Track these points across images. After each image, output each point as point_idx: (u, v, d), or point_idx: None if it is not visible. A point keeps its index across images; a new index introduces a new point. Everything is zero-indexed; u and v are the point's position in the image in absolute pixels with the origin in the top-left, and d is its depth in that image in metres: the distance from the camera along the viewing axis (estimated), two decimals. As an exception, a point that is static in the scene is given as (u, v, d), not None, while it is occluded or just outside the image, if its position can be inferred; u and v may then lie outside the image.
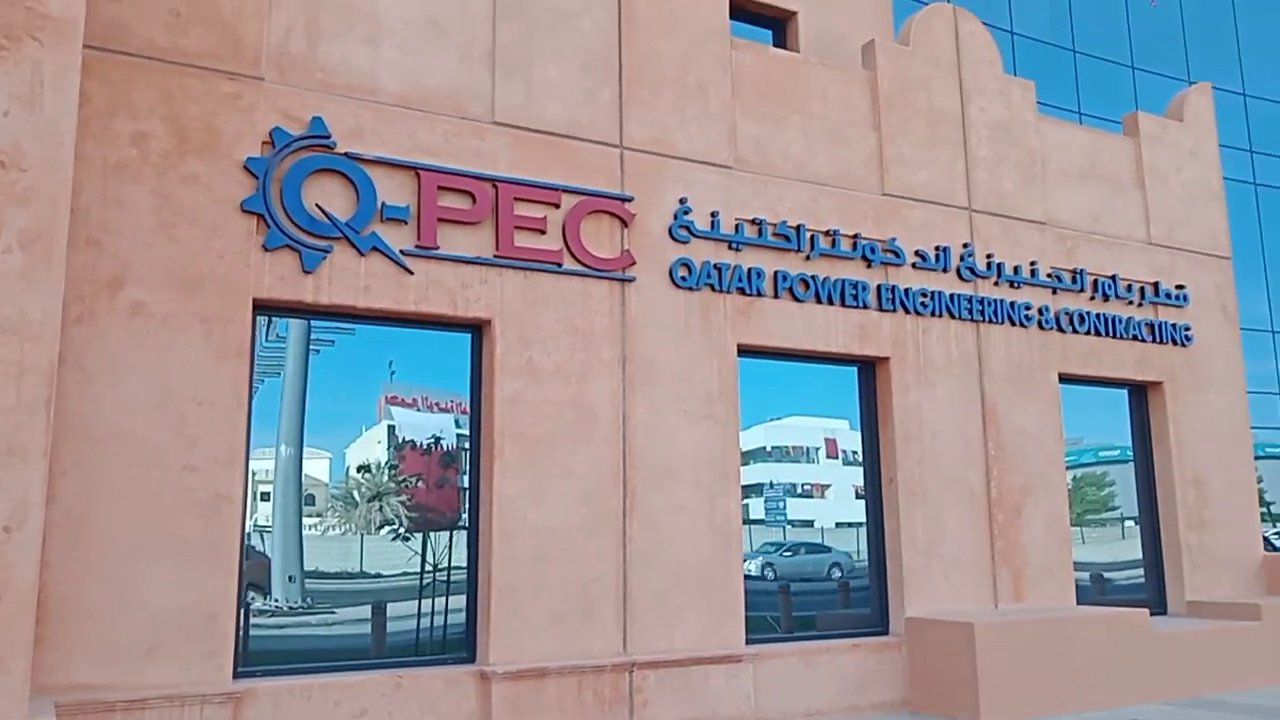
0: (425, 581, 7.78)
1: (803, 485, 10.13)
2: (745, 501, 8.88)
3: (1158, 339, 11.58)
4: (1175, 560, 11.32)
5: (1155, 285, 11.70)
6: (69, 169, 5.73)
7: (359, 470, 7.89)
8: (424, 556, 7.82)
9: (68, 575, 6.22)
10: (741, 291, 8.97)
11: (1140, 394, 11.75)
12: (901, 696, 8.99)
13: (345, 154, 7.49)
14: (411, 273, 7.57)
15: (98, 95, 6.74)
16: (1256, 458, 13.11)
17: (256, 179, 7.14)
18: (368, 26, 7.75)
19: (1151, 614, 10.63)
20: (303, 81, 7.46)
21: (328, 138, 7.43)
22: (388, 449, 7.95)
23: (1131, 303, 11.50)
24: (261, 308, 7.22)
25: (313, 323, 7.61)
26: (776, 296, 9.16)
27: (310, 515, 7.67)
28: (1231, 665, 10.06)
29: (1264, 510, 17.70)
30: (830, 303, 9.43)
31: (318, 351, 7.69)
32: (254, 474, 7.27)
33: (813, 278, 9.34)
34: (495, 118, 8.11)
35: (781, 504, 9.85)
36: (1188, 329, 11.87)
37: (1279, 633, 10.48)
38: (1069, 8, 19.94)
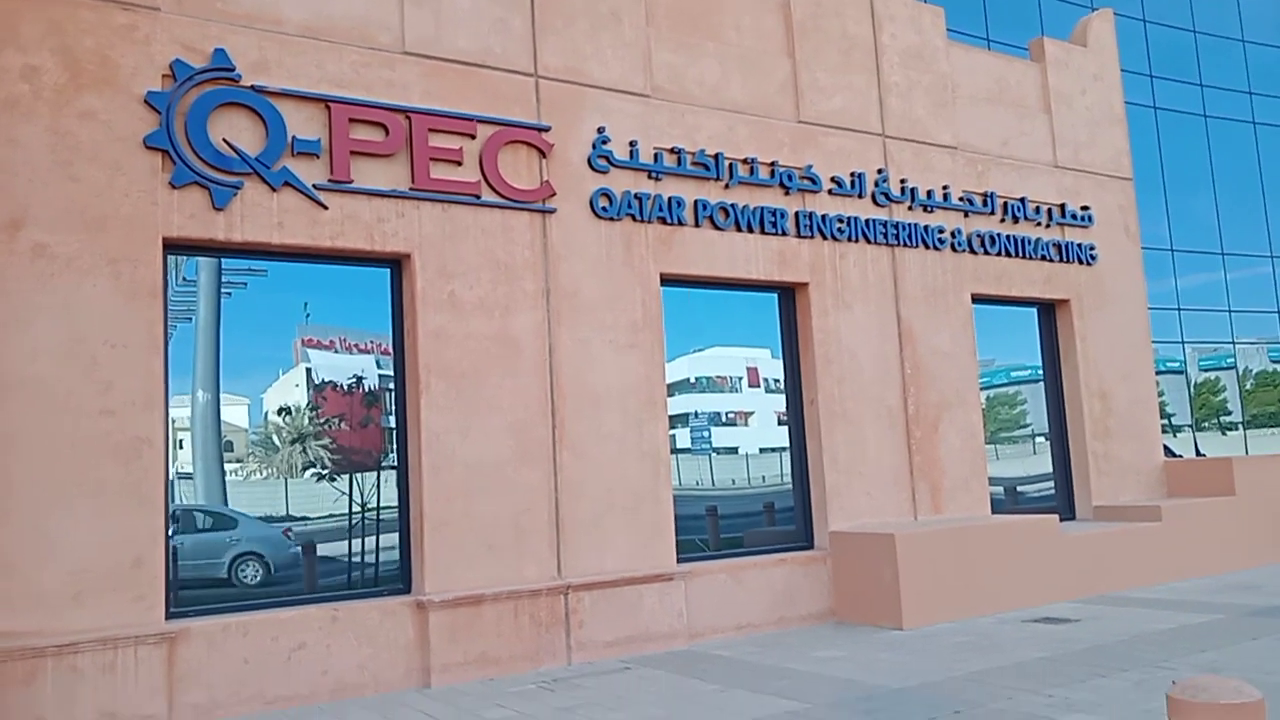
0: (354, 521, 7.77)
1: (726, 414, 10.31)
2: (671, 432, 9.01)
3: (1064, 259, 11.98)
4: (1083, 468, 11.86)
5: (1062, 207, 12.07)
6: (-43, 104, 5.50)
7: (279, 414, 7.80)
8: (351, 496, 7.80)
9: (-16, 526, 6.08)
10: (663, 221, 9.01)
11: (1049, 312, 12.19)
12: (827, 607, 9.32)
13: (251, 87, 7.27)
14: (326, 207, 7.44)
15: (-17, 27, 6.43)
16: (1157, 372, 13.72)
17: (159, 114, 6.90)
18: (268, -47, 7.48)
19: (1061, 519, 11.15)
20: (202, 11, 7.19)
21: (232, 70, 7.20)
22: (307, 392, 7.87)
23: (1039, 224, 11.86)
24: (172, 247, 7.03)
25: (224, 264, 7.44)
26: (697, 225, 9.23)
27: (230, 461, 7.58)
28: (1135, 564, 10.63)
29: (1164, 421, 18.55)
30: (750, 230, 9.53)
31: (229, 294, 7.54)
32: (173, 421, 7.15)
33: (732, 206, 9.42)
34: (405, 48, 7.95)
35: (706, 433, 10.01)
36: (1093, 249, 12.29)
37: (1178, 532, 11.10)
38: (976, -65, 20.13)
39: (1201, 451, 21.09)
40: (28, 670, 6.00)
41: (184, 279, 7.33)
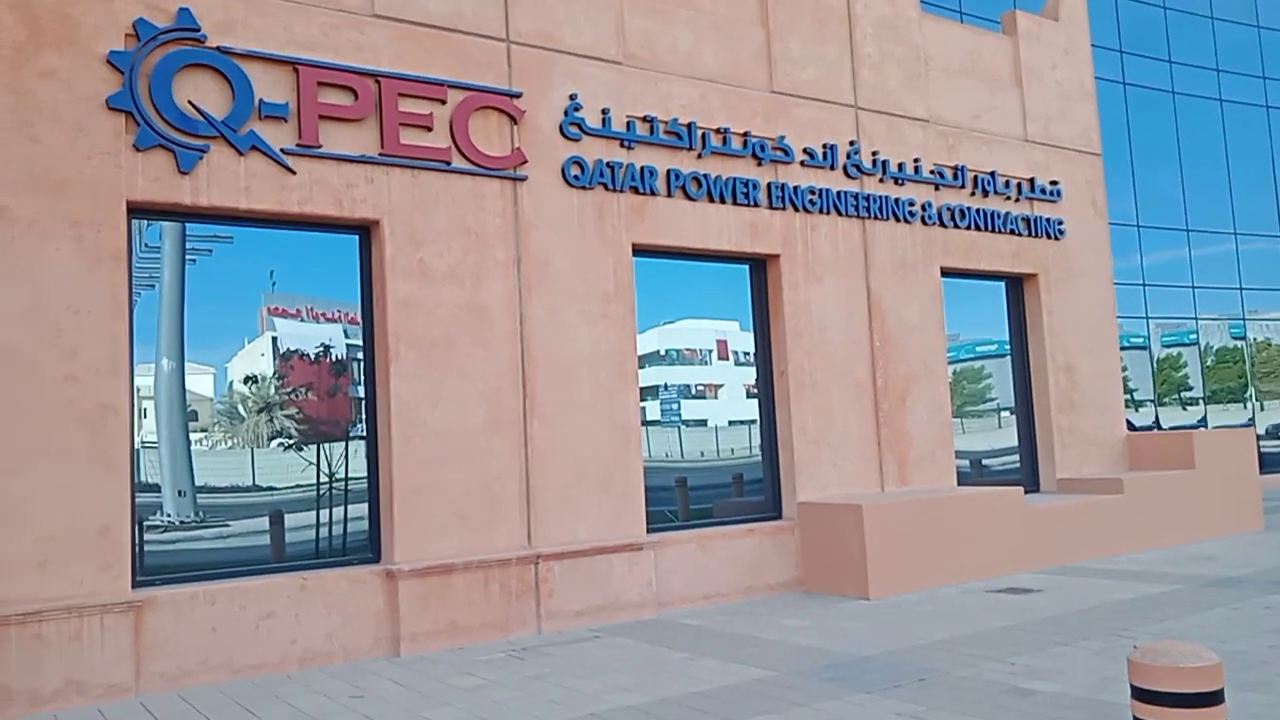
0: (322, 490, 7.72)
1: (696, 386, 10.32)
2: (641, 404, 9.01)
3: (1033, 233, 12.07)
4: (1047, 441, 12.01)
5: (1031, 181, 12.14)
6: (-88, 60, 5.36)
7: (245, 383, 7.71)
8: (319, 465, 7.74)
9: (-56, 493, 5.98)
10: (635, 190, 8.97)
11: (1016, 285, 12.29)
12: (795, 576, 9.41)
13: (217, 48, 7.13)
14: (294, 172, 7.33)
15: (-63, -18, 6.24)
16: (1121, 347, 13.88)
17: (122, 74, 6.75)
18: (234, -89, 7.31)
19: (1026, 491, 11.31)
20: (166, -31, 7.03)
21: (197, 30, 7.06)
22: (273, 360, 7.78)
23: (1009, 198, 11.93)
24: (137, 211, 6.91)
25: (189, 231, 7.32)
26: (670, 195, 9.20)
27: (195, 431, 7.49)
28: (1098, 535, 10.82)
29: (1128, 396, 18.80)
30: (722, 201, 9.51)
31: (194, 261, 7.42)
32: (138, 389, 7.05)
33: (704, 176, 9.39)
34: (375, 10, 7.82)
35: (676, 405, 10.03)
36: (1060, 223, 12.39)
37: (1139, 504, 11.29)
38: (950, -93, 20.01)
39: (1163, 425, 21.42)
40: (-9, 638, 5.94)
41: (146, 245, 7.20)
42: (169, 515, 7.22)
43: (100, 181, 6.62)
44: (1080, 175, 12.77)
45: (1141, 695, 3.55)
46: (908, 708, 5.43)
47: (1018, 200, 12.00)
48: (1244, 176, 22.54)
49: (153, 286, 7.24)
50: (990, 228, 11.61)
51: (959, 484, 10.99)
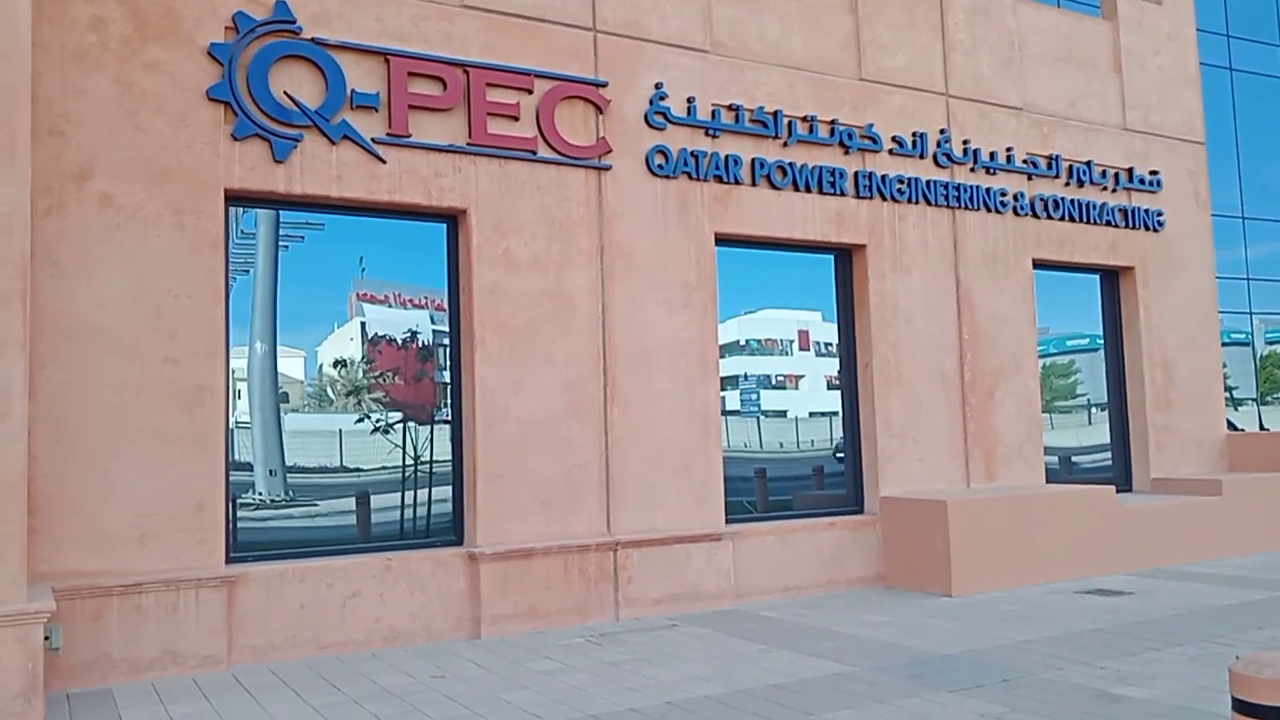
0: (407, 474, 7.87)
1: (777, 377, 10.24)
2: (721, 394, 8.97)
3: (1130, 224, 11.67)
4: (1142, 440, 11.62)
5: (1129, 171, 11.73)
6: (27, 56, 5.63)
7: (334, 366, 7.89)
8: (404, 449, 7.89)
9: (54, 469, 6.26)
10: (719, 179, 8.92)
11: (1112, 279, 11.90)
12: (876, 571, 9.29)
13: (312, 39, 7.29)
14: (384, 161, 7.46)
15: (51, -22, 6.50)
16: (1223, 344, 13.34)
17: (221, 66, 6.96)
18: (329, -96, 7.46)
19: (1118, 491, 10.97)
20: (264, -37, 7.21)
21: (293, 22, 7.23)
22: (361, 345, 7.95)
23: (1105, 188, 11.55)
24: (234, 198, 7.12)
25: (282, 217, 7.51)
26: (754, 184, 9.12)
27: (286, 413, 7.70)
28: (1194, 537, 10.44)
29: (1228, 395, 18.07)
30: (808, 190, 9.40)
31: (286, 247, 7.62)
32: (233, 371, 7.27)
33: (790, 165, 9.28)
34: (465, 1, 7.90)
35: (756, 395, 9.97)
36: (1160, 214, 11.95)
37: (1239, 507, 10.85)
38: (1048, -111, 19.35)
39: (1265, 426, 20.55)
40: (95, 608, 6.21)
41: (242, 232, 7.42)
42: (261, 493, 7.45)
43: (200, 170, 6.84)
44: (1182, 165, 12.29)
45: (1244, 708, 3.40)
46: (990, 708, 5.32)
47: (1115, 191, 11.61)
48: (1359, 166, 21.43)
49: (247, 272, 7.46)
50: (1085, 219, 11.26)
51: (1047, 482, 10.71)
